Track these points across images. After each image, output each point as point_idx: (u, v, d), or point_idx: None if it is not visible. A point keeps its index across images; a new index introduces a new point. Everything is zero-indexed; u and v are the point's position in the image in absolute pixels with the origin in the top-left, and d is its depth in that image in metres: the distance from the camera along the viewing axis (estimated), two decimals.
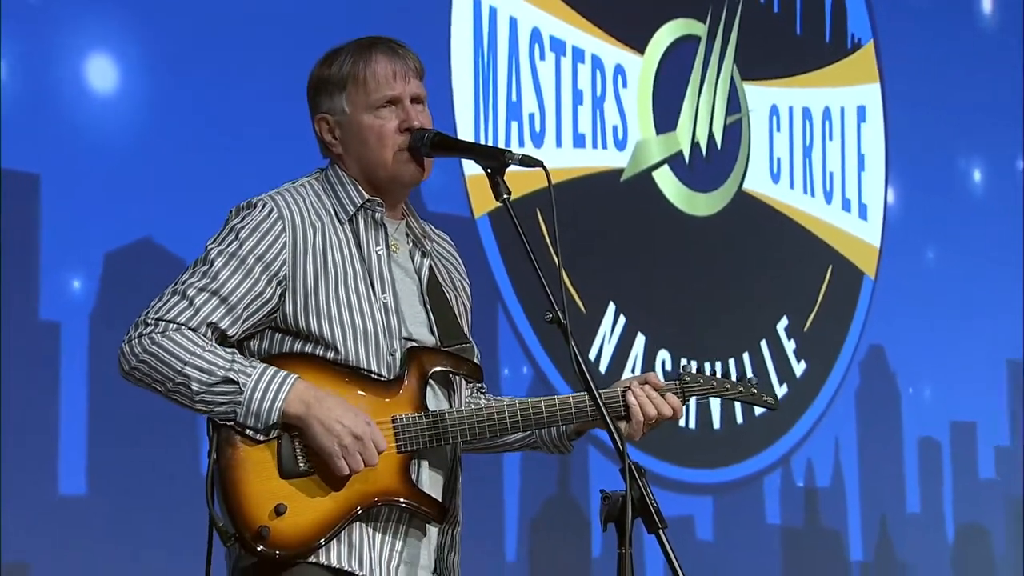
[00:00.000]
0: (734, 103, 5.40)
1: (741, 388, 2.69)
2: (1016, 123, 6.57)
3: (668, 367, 5.04)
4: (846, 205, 5.81)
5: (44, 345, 3.63)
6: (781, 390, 5.46)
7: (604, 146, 4.99)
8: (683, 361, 5.03)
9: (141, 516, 3.69)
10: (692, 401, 2.75)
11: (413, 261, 2.58)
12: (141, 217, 3.77)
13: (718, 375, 2.66)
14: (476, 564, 4.39)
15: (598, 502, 2.32)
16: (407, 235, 2.59)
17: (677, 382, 2.62)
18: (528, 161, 2.50)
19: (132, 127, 3.78)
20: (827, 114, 5.75)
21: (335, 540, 2.41)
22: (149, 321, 2.40)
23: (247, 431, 2.39)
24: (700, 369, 2.66)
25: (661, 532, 2.28)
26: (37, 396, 3.61)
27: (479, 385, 2.65)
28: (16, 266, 3.60)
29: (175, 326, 2.39)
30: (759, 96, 5.49)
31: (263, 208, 2.46)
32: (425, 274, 2.57)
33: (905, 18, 6.11)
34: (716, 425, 5.26)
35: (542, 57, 4.80)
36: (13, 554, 3.53)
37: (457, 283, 2.65)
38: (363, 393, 2.45)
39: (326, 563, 2.41)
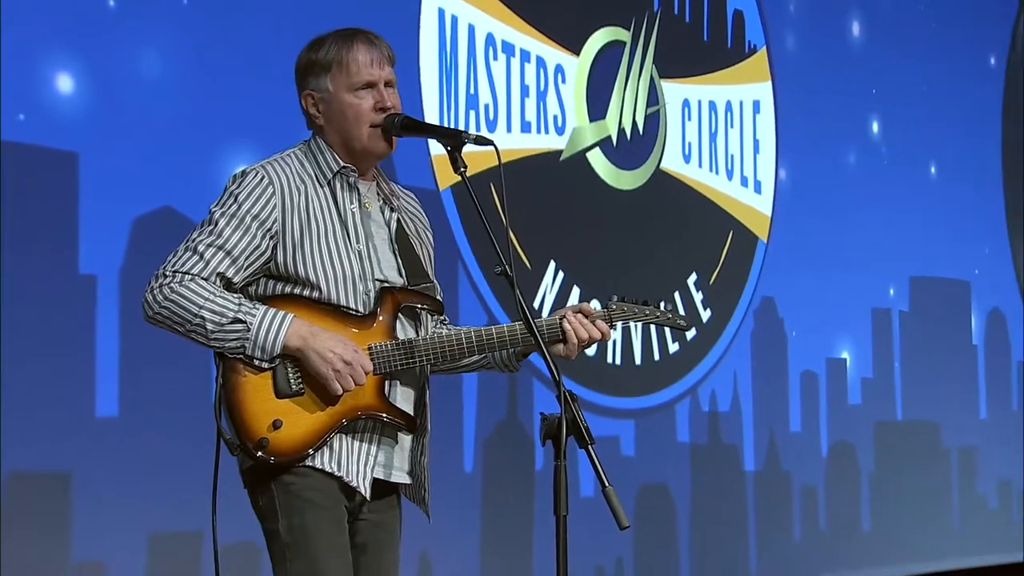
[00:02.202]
0: (653, 97, 5.41)
1: (659, 313, 2.68)
2: (880, 115, 6.62)
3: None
4: (744, 181, 5.83)
5: (84, 294, 3.62)
6: (690, 333, 5.49)
7: (546, 131, 4.99)
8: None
9: (163, 433, 3.69)
10: (619, 327, 2.74)
11: (383, 215, 2.57)
12: (162, 189, 3.76)
13: (639, 302, 2.65)
14: (440, 475, 4.41)
15: (539, 423, 2.34)
16: (377, 194, 2.59)
17: (605, 310, 2.62)
18: (481, 140, 2.51)
19: (155, 113, 3.76)
20: (728, 107, 5.76)
21: (323, 447, 2.43)
22: (167, 273, 2.40)
23: (254, 361, 2.40)
24: (623, 299, 2.64)
25: (590, 448, 2.30)
26: (78, 335, 3.60)
27: (441, 317, 2.65)
28: (61, 229, 3.59)
29: (190, 276, 2.39)
30: (673, 91, 5.50)
31: (256, 175, 2.46)
32: (394, 225, 2.57)
33: (792, 31, 6.12)
34: (638, 361, 5.29)
35: (495, 57, 4.79)
36: (59, 464, 3.55)
37: (422, 232, 2.65)
38: (343, 326, 2.46)
39: (311, 465, 2.43)
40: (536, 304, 4.85)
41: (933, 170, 6.92)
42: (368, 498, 2.48)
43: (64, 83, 3.60)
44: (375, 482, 2.48)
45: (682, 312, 2.74)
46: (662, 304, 2.70)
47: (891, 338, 6.57)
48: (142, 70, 3.74)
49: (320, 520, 2.42)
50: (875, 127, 6.57)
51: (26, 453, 3.46)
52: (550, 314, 2.64)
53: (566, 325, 2.56)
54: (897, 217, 6.62)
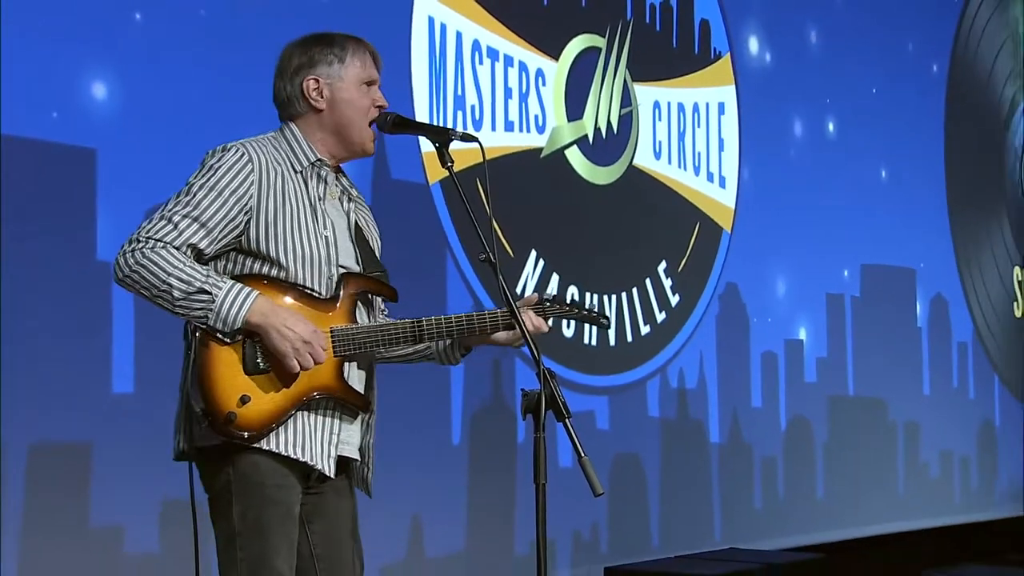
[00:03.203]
0: (626, 98, 5.40)
1: (584, 312, 2.65)
2: (836, 117, 6.63)
3: (576, 298, 5.06)
4: (710, 177, 5.84)
5: (100, 279, 3.60)
6: (661, 316, 5.50)
7: (528, 130, 4.99)
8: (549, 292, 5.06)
9: (174, 407, 3.68)
10: (604, 302, 2.74)
11: (343, 206, 2.53)
12: (172, 183, 3.74)
13: (567, 301, 2.63)
14: (430, 446, 4.45)
15: (520, 399, 2.34)
16: (338, 186, 2.54)
17: (540, 306, 2.59)
18: (467, 137, 2.50)
19: (167, 113, 3.76)
20: (696, 108, 5.77)
21: (283, 428, 2.36)
22: (141, 239, 2.33)
23: (216, 333, 2.33)
24: (557, 298, 2.62)
25: (567, 421, 2.30)
26: (95, 318, 3.60)
27: (383, 308, 2.59)
28: (79, 220, 3.59)
29: (161, 244, 2.32)
30: (645, 94, 5.50)
31: (236, 151, 2.40)
32: (353, 217, 2.53)
33: (754, 39, 6.13)
34: (612, 343, 5.29)
35: (480, 62, 4.79)
36: (80, 436, 3.55)
37: (372, 227, 2.61)
38: (306, 307, 2.40)
39: (276, 451, 2.36)
40: (519, 289, 4.86)
41: (883, 168, 6.95)
42: (332, 476, 2.43)
43: (88, 85, 3.59)
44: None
45: (595, 306, 2.73)
46: (580, 303, 2.71)
47: (844, 321, 6.59)
48: (159, 74, 3.74)
49: (273, 516, 2.36)
50: (831, 127, 6.59)
51: (48, 426, 3.46)
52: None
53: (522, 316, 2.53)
54: (850, 211, 6.65)
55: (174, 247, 2.33)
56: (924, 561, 6.68)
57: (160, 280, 2.30)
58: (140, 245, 2.33)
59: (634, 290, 5.40)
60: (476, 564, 4.67)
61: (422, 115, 4.50)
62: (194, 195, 2.37)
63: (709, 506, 5.73)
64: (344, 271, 2.45)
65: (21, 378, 3.40)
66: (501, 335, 2.54)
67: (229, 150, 2.41)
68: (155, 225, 2.35)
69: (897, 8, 7.16)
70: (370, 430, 2.51)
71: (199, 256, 2.37)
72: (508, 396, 4.81)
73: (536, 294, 2.64)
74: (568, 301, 2.63)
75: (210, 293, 2.31)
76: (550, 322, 2.62)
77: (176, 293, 2.30)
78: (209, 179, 2.38)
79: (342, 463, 2.47)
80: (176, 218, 2.35)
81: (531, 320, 2.54)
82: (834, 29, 6.62)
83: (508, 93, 4.90)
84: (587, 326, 5.15)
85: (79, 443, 3.54)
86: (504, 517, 4.77)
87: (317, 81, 2.49)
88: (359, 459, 2.50)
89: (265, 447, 2.35)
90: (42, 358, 3.45)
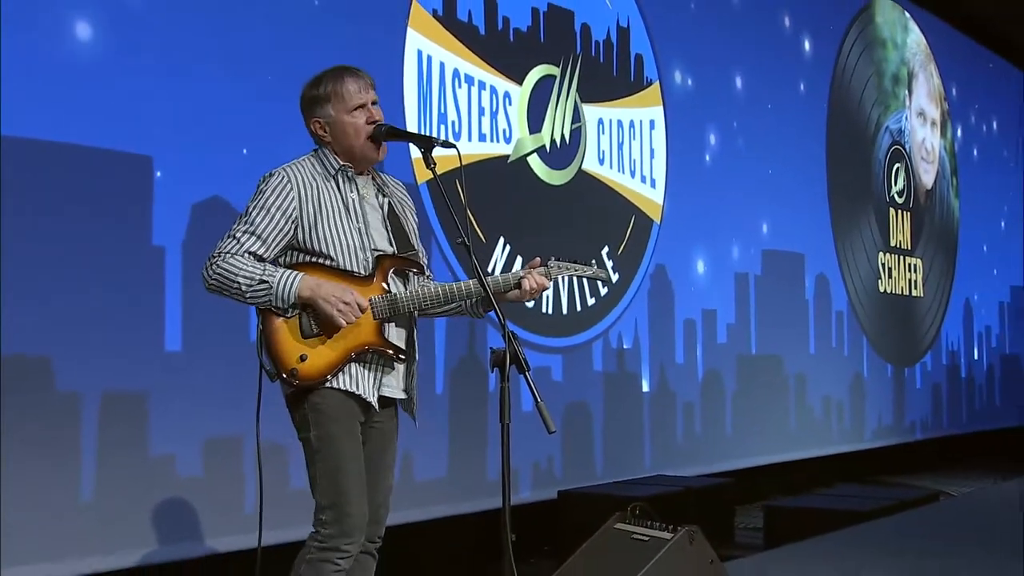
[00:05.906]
0: (576, 116, 5.42)
1: (588, 269, 2.68)
2: (744, 134, 6.66)
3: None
4: (643, 179, 5.86)
5: (155, 261, 3.61)
6: (604, 290, 5.53)
7: (497, 140, 5.00)
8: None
9: (215, 363, 3.70)
10: (559, 280, 2.75)
11: (377, 199, 2.57)
12: (214, 183, 3.74)
13: (570, 261, 2.67)
14: (419, 395, 4.46)
15: (489, 355, 2.37)
16: (373, 184, 2.59)
17: (545, 267, 2.64)
18: (447, 144, 2.52)
19: (207, 128, 3.74)
20: (632, 124, 5.79)
21: (341, 373, 2.45)
22: (215, 255, 2.43)
23: (278, 310, 2.43)
24: (559, 258, 2.66)
25: (527, 373, 2.32)
26: (152, 290, 3.61)
27: (427, 275, 2.65)
28: (137, 213, 3.58)
29: (229, 255, 2.41)
30: (592, 112, 5.52)
31: (279, 176, 2.47)
32: (386, 208, 2.57)
33: (677, 70, 6.15)
34: (564, 311, 5.32)
35: (459, 86, 4.79)
36: (140, 385, 3.56)
37: (408, 211, 2.65)
38: (350, 284, 2.47)
39: (338, 387, 2.45)
40: (489, 268, 4.87)
41: (779, 173, 7.00)
42: (378, 409, 2.50)
43: (147, 103, 3.57)
44: (381, 399, 2.51)
45: (595, 261, 2.72)
46: (585, 260, 2.71)
47: (748, 294, 6.65)
48: (207, 96, 3.73)
49: (341, 431, 2.44)
50: (739, 141, 6.63)
51: (117, 377, 3.48)
52: (510, 271, 2.67)
53: (523, 279, 2.60)
54: (753, 207, 6.70)
55: (238, 256, 2.42)
56: (808, 481, 6.78)
57: (231, 281, 2.41)
58: (215, 259, 2.43)
59: (592, 262, 5.41)
60: (455, 487, 4.70)
61: (412, 128, 4.50)
62: (250, 215, 2.45)
63: (641, 441, 5.78)
64: (379, 253, 2.50)
65: (95, 339, 3.42)
66: (512, 294, 2.59)
67: (274, 175, 2.48)
68: (224, 242, 2.45)
69: (790, 48, 7.24)
70: (413, 376, 2.59)
71: (261, 260, 2.45)
72: (480, 354, 4.84)
73: (539, 258, 2.66)
74: (569, 261, 2.66)
75: (267, 282, 2.41)
76: (559, 280, 2.63)
77: (244, 288, 2.40)
78: (259, 201, 2.45)
79: (387, 403, 2.56)
80: (238, 234, 2.44)
81: (535, 279, 2.59)
82: (743, 64, 6.66)
83: (481, 111, 4.90)
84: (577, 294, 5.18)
85: (139, 391, 3.55)
86: (478, 450, 4.81)
87: (319, 122, 2.54)
88: (405, 397, 2.58)
89: (329, 386, 2.44)
90: (110, 323, 3.46)
